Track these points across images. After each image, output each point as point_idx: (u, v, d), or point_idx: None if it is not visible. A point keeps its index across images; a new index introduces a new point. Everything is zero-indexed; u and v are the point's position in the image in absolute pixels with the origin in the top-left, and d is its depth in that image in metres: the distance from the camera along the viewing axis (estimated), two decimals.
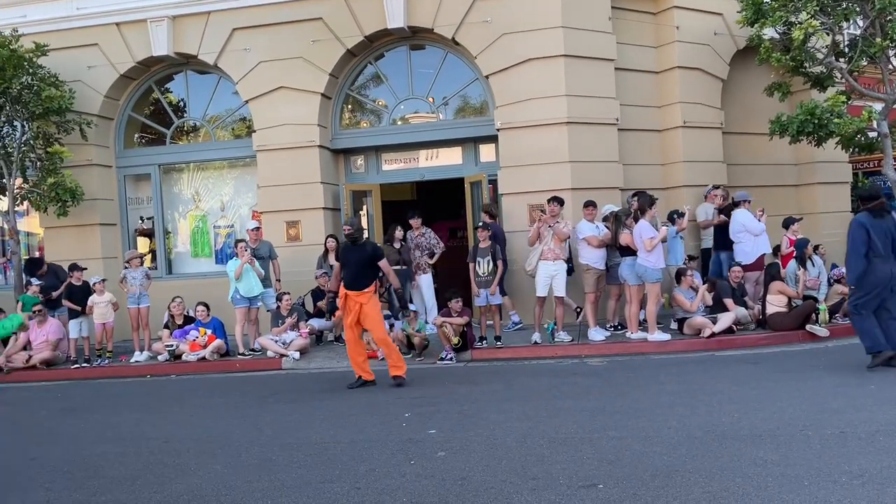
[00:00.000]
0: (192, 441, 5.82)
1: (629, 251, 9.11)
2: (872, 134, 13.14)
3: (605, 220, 9.77)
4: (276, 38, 11.60)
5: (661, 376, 7.26)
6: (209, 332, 10.04)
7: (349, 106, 12.38)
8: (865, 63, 11.51)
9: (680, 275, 9.37)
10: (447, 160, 12.15)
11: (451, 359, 8.82)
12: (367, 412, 6.45)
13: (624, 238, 9.15)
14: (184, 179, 12.93)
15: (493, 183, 11.44)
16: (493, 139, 11.46)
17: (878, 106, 12.12)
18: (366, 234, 9.66)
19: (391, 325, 9.37)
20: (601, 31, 11.11)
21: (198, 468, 4.98)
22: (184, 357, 9.87)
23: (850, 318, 7.19)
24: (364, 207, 12.24)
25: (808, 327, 8.87)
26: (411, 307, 9.49)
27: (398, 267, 10.09)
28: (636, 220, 9.10)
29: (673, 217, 9.98)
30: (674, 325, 9.52)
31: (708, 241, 11.18)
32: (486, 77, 11.19)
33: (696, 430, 5.08)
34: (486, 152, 11.86)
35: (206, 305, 10.24)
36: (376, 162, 12.30)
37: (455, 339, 8.83)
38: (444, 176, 12.20)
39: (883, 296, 6.83)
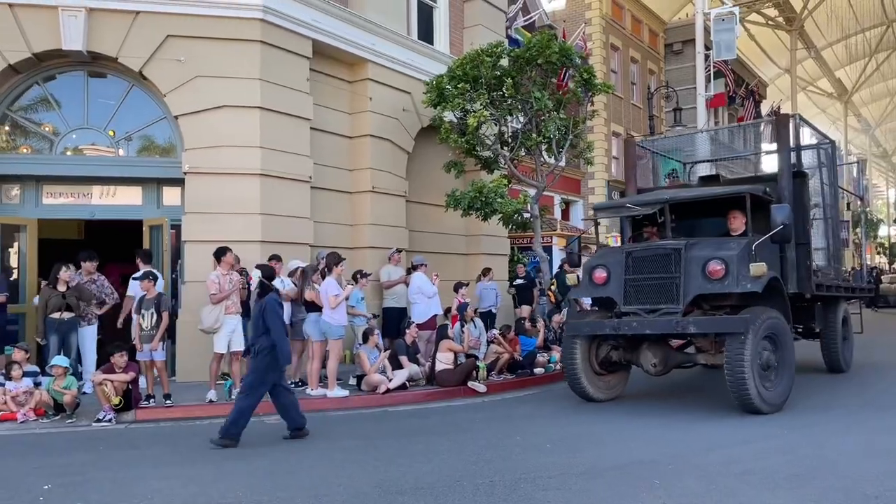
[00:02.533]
0: None
1: (314, 307, 9.18)
2: (527, 215, 15.29)
3: (290, 274, 9.75)
4: None
5: (336, 432, 7.33)
6: None
7: (6, 127, 10.73)
8: (524, 153, 13.43)
9: (367, 334, 9.68)
10: (125, 199, 11.12)
11: (109, 420, 7.87)
12: None
13: (309, 294, 9.21)
14: None
15: (177, 228, 10.75)
16: (179, 182, 10.82)
17: (532, 191, 14.18)
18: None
19: (36, 384, 8.13)
20: (299, 89, 11.32)
21: None
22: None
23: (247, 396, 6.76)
24: (15, 244, 10.58)
25: (469, 383, 9.74)
26: (58, 361, 8.27)
27: (60, 314, 8.88)
28: (323, 276, 9.23)
29: (356, 276, 10.35)
30: (352, 381, 9.75)
31: (390, 300, 11.78)
32: (176, 117, 10.61)
33: (365, 485, 5.19)
34: (171, 195, 11.13)
35: None
36: (35, 193, 10.76)
37: (115, 399, 7.91)
38: (121, 216, 11.15)
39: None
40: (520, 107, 12.59)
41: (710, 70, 22.26)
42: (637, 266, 8.08)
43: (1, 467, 6.04)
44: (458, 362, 10.03)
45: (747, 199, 8.13)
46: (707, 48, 20.75)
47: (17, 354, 8.42)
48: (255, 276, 7.30)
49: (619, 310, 8.03)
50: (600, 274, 8.33)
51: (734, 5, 23.36)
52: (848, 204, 54.52)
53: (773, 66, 44.48)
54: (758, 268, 7.42)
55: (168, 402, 8.54)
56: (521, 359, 10.82)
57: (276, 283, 9.30)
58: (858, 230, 56.85)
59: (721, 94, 26.21)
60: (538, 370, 10.85)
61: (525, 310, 13.58)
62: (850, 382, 9.99)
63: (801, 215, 8.83)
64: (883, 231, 64.39)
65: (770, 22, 39.11)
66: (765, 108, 39.83)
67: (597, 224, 9.63)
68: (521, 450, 6.28)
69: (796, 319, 9.55)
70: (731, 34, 19.76)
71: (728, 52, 20.30)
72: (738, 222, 8.48)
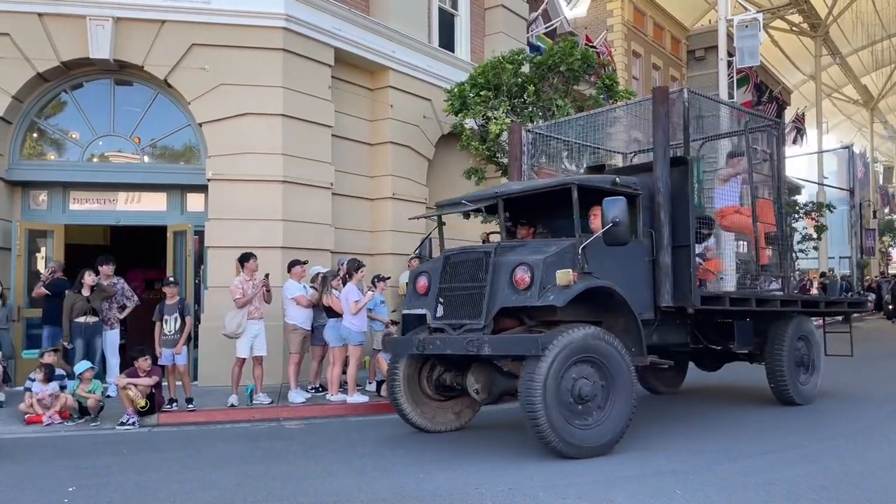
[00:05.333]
0: None
1: (334, 313, 9.23)
2: None
3: (312, 280, 9.82)
4: None
5: (356, 438, 7.35)
6: None
7: (34, 134, 10.94)
8: (544, 160, 13.39)
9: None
10: (150, 206, 11.28)
11: (133, 423, 7.97)
12: (21, 486, 5.50)
13: (328, 300, 9.26)
14: None
15: (200, 234, 10.88)
16: (202, 189, 10.96)
17: None
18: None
19: (62, 387, 8.27)
20: (321, 97, 11.42)
21: None
22: None
23: None
24: (42, 249, 10.76)
25: None
26: (83, 365, 8.39)
27: (85, 318, 9.02)
28: (344, 283, 9.29)
29: (374, 281, 10.37)
30: (371, 387, 9.78)
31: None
32: (200, 125, 10.75)
33: (385, 491, 5.20)
34: (195, 202, 11.27)
35: None
36: (63, 200, 10.96)
37: (140, 402, 8.01)
38: (145, 222, 11.32)
39: None
40: (541, 114, 12.58)
41: (733, 77, 22.09)
42: (451, 274, 6.84)
43: (27, 469, 6.15)
44: None
45: (574, 192, 6.49)
46: (730, 55, 20.58)
47: (47, 357, 8.56)
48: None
49: (430, 324, 6.99)
50: (422, 282, 7.13)
51: (758, 12, 23.18)
52: (874, 211, 53.74)
53: (798, 72, 44.00)
54: (563, 275, 6.03)
55: (190, 405, 8.63)
56: None
57: (299, 288, 9.42)
58: (886, 238, 56.02)
59: (748, 102, 25.99)
60: None
61: None
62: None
63: (682, 210, 7.13)
64: None
65: (794, 28, 38.68)
66: (789, 114, 39.42)
67: (441, 224, 8.08)
68: (544, 455, 6.24)
69: (710, 339, 8.23)
70: (754, 41, 19.57)
71: (751, 59, 20.09)
72: (598, 221, 6.78)
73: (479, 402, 7.28)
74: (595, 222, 6.88)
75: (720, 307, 7.59)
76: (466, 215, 7.91)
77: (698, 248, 7.63)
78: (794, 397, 8.49)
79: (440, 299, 6.87)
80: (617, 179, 6.90)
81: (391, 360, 7.51)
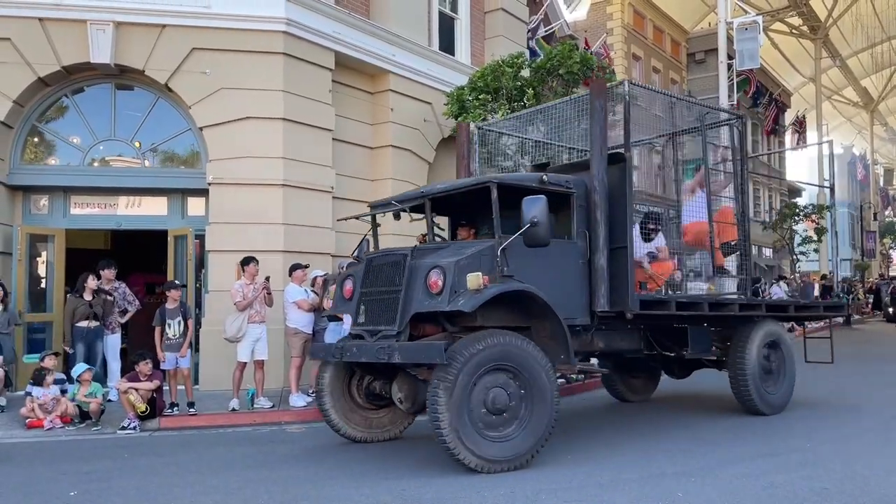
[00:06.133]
0: None
1: (335, 316, 9.21)
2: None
3: (312, 284, 9.82)
4: None
5: (356, 442, 7.34)
6: None
7: (35, 139, 10.96)
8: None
9: None
10: (151, 210, 11.29)
11: (134, 427, 7.96)
12: (23, 491, 5.50)
13: (328, 303, 9.24)
14: None
15: (201, 238, 10.89)
16: (203, 193, 10.97)
17: None
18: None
19: (63, 391, 8.28)
20: (321, 101, 11.44)
21: None
22: None
23: None
24: (43, 254, 10.77)
25: None
26: (81, 367, 8.40)
27: (87, 323, 9.03)
28: None
29: None
30: None
31: None
32: (201, 129, 10.77)
33: (386, 494, 5.21)
34: (195, 206, 11.27)
35: None
36: (63, 204, 10.96)
37: (142, 407, 8.01)
38: (146, 226, 11.32)
39: None
40: (540, 117, 12.60)
41: (733, 80, 22.11)
42: (372, 277, 6.56)
43: (29, 473, 6.15)
44: None
45: (493, 191, 6.14)
46: (730, 57, 20.61)
47: (49, 361, 8.56)
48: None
49: (351, 330, 6.81)
50: (348, 286, 6.86)
51: (757, 14, 23.22)
52: (875, 214, 53.61)
53: (798, 75, 44.07)
54: (473, 279, 5.70)
55: (192, 410, 8.62)
56: None
57: (300, 292, 9.42)
58: (886, 240, 55.93)
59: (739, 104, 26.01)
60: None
61: None
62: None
63: (619, 209, 6.81)
64: None
65: (794, 31, 38.75)
66: (789, 116, 39.46)
67: (376, 225, 7.83)
68: (545, 456, 6.24)
69: (663, 345, 7.90)
70: (754, 43, 19.62)
71: (751, 62, 20.16)
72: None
73: (404, 412, 6.94)
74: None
75: (665, 312, 7.14)
76: (397, 216, 7.60)
77: (648, 248, 7.41)
78: (758, 406, 8.03)
79: (361, 304, 6.57)
80: (544, 177, 6.53)
81: (319, 369, 7.27)
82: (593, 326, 6.98)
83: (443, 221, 8.08)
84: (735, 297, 8.23)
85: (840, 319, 26.26)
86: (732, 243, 8.17)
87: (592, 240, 6.74)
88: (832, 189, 28.35)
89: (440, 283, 5.84)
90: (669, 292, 7.63)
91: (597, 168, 6.80)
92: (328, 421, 7.06)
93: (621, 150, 7.13)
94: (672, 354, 8.02)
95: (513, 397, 5.83)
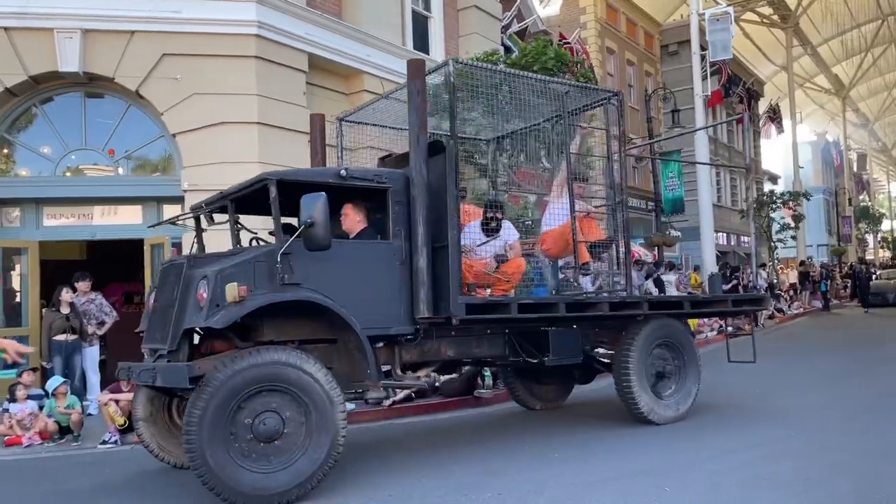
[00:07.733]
0: None
1: None
2: (528, 222, 15.21)
3: None
4: None
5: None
6: None
7: (4, 150, 10.75)
8: (523, 159, 13.40)
9: None
10: (126, 219, 11.13)
11: (115, 441, 7.84)
12: None
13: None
14: None
15: (177, 246, 10.74)
16: (179, 200, 10.82)
17: (533, 198, 14.12)
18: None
19: (41, 406, 8.12)
20: (296, 103, 11.34)
21: None
22: None
23: None
24: (17, 267, 10.58)
25: (476, 392, 9.69)
26: (56, 381, 8.25)
27: (65, 336, 8.88)
28: None
29: None
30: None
31: None
32: (174, 135, 10.63)
33: (374, 500, 5.16)
34: (171, 213, 11.07)
35: None
36: (36, 216, 10.78)
37: (120, 420, 7.88)
38: (122, 236, 11.15)
39: None
40: (517, 113, 12.59)
41: (706, 70, 22.28)
42: (160, 289, 5.95)
43: (8, 494, 6.03)
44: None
45: (271, 189, 5.44)
46: (703, 48, 20.77)
47: (26, 377, 8.41)
48: None
49: (143, 348, 6.07)
50: (151, 299, 6.12)
51: (728, 5, 23.42)
52: (850, 199, 54.34)
53: (770, 64, 44.53)
54: (230, 290, 5.05)
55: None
56: None
57: None
58: (862, 224, 56.74)
59: (717, 91, 26.19)
60: None
61: None
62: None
63: (444, 204, 6.01)
64: (886, 226, 64.33)
65: (765, 20, 39.15)
66: (762, 105, 39.87)
67: (200, 228, 7.02)
68: (528, 458, 6.24)
69: (527, 351, 6.99)
70: (726, 34, 19.81)
71: (724, 53, 20.36)
72: (350, 221, 6.14)
73: None
74: (346, 223, 6.15)
75: (506, 315, 6.38)
76: (208, 219, 6.83)
77: (496, 246, 6.90)
78: (645, 414, 7.14)
79: (149, 319, 5.95)
80: (343, 172, 5.77)
81: (136, 392, 6.60)
82: (418, 336, 6.14)
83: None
84: (593, 295, 7.37)
85: (819, 305, 26.61)
86: (601, 242, 7.53)
87: (411, 239, 5.96)
88: (748, 169, 28.70)
89: (205, 294, 5.16)
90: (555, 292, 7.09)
91: (416, 159, 6.00)
92: (146, 446, 6.40)
93: (441, 140, 6.49)
94: (535, 361, 6.97)
95: (291, 423, 5.11)
